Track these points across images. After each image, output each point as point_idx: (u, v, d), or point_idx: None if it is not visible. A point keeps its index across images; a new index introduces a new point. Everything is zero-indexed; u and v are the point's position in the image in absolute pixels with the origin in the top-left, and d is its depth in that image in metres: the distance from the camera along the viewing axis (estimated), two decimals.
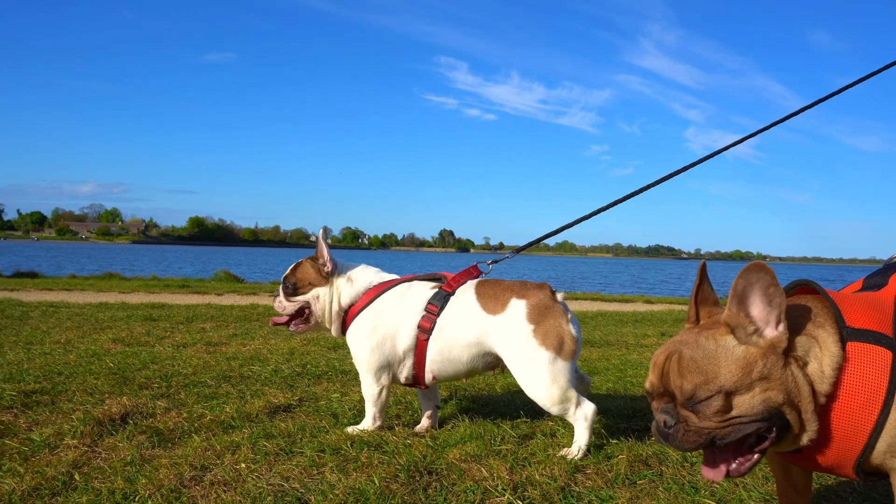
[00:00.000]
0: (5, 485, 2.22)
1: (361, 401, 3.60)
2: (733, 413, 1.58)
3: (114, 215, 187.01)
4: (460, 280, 3.08)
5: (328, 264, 3.16)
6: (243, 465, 2.48)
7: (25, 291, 12.17)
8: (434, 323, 2.95)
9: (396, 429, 3.08)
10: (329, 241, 3.27)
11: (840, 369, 1.60)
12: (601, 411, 3.38)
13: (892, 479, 1.64)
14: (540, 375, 2.75)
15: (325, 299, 3.14)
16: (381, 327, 3.01)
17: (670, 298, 16.31)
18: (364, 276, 3.18)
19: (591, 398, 3.63)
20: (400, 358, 3.03)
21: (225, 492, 2.20)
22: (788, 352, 1.60)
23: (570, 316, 2.85)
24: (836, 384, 1.60)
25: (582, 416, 2.76)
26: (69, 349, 5.30)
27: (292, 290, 3.18)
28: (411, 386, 3.13)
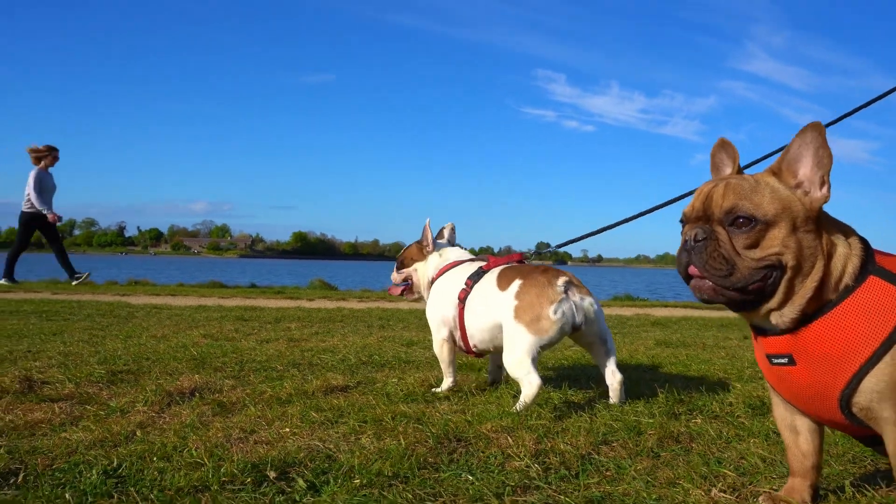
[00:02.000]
0: (76, 436, 2.49)
1: (415, 383, 3.75)
2: (759, 251, 1.61)
3: (223, 231, 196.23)
4: (499, 262, 3.59)
5: (430, 245, 3.86)
6: (287, 429, 2.67)
7: (135, 296, 13.01)
8: (467, 294, 3.49)
9: (443, 405, 3.21)
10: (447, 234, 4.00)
11: (855, 280, 1.62)
12: (643, 394, 3.39)
13: (882, 433, 1.63)
14: (510, 339, 3.18)
15: (422, 272, 3.88)
16: (442, 293, 3.63)
17: None
18: (449, 254, 3.86)
19: (639, 382, 3.67)
20: (451, 324, 3.58)
21: (263, 448, 2.39)
22: (822, 229, 1.65)
23: (560, 299, 3.12)
24: (847, 291, 1.62)
25: (527, 383, 3.08)
26: (162, 341, 5.70)
27: (400, 265, 3.97)
28: (469, 353, 3.62)
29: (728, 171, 1.82)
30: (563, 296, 3.14)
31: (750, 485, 2.10)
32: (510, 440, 2.50)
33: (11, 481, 1.98)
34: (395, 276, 4.01)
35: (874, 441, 1.71)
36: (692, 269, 1.66)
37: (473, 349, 3.56)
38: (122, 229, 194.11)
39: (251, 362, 4.49)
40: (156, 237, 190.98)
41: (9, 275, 13.96)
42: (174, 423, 2.76)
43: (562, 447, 2.45)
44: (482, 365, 4.48)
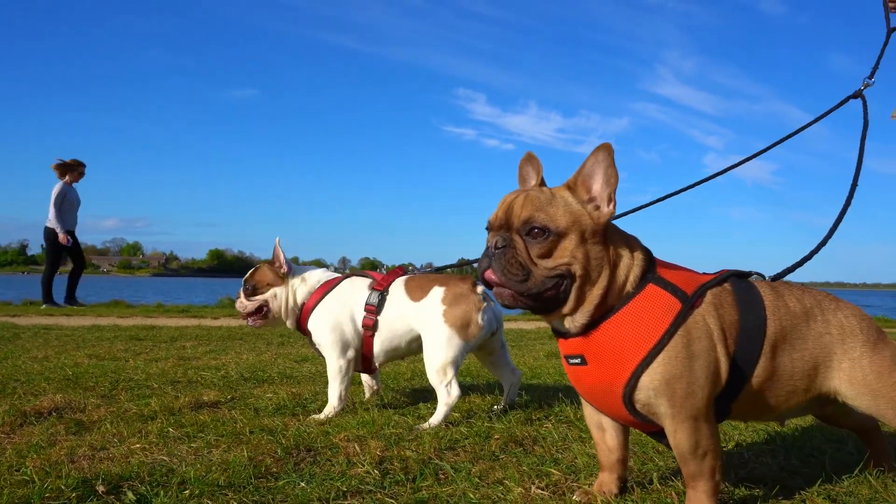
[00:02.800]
0: None
1: (287, 397, 3.77)
2: (551, 261, 1.76)
3: (135, 249, 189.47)
4: (389, 279, 3.54)
5: (284, 266, 3.61)
6: (138, 445, 2.66)
7: (26, 317, 12.44)
8: (375, 321, 3.43)
9: (301, 417, 3.25)
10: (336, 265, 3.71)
11: (636, 287, 1.82)
12: (517, 402, 3.52)
13: (663, 426, 1.79)
14: (436, 344, 3.19)
15: (281, 297, 3.59)
16: (336, 313, 3.47)
17: None
18: (315, 275, 3.67)
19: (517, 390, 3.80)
20: (354, 343, 3.47)
21: (105, 464, 2.38)
22: (609, 241, 1.83)
23: (484, 306, 3.27)
24: (627, 298, 1.80)
25: (446, 393, 3.14)
26: (40, 362, 5.50)
27: (252, 291, 3.64)
28: (362, 372, 3.64)
29: (532, 182, 1.96)
30: (486, 303, 3.29)
31: (573, 482, 2.24)
32: (358, 448, 2.57)
33: None
34: (246, 304, 3.68)
35: (661, 435, 1.86)
36: (489, 274, 1.78)
37: (374, 366, 3.55)
38: (24, 247, 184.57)
39: (127, 381, 4.41)
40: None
41: (48, 299, 12.92)
42: (20, 443, 2.71)
43: (407, 454, 2.53)
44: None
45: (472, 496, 2.09)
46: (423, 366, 5.02)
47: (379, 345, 3.43)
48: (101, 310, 15.43)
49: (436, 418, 3.10)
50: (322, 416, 3.29)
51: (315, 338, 3.51)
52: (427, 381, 4.50)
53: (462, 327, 3.21)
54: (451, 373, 3.17)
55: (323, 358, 3.57)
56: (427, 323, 3.26)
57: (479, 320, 3.25)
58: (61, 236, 11.55)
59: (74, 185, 11.66)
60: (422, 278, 3.47)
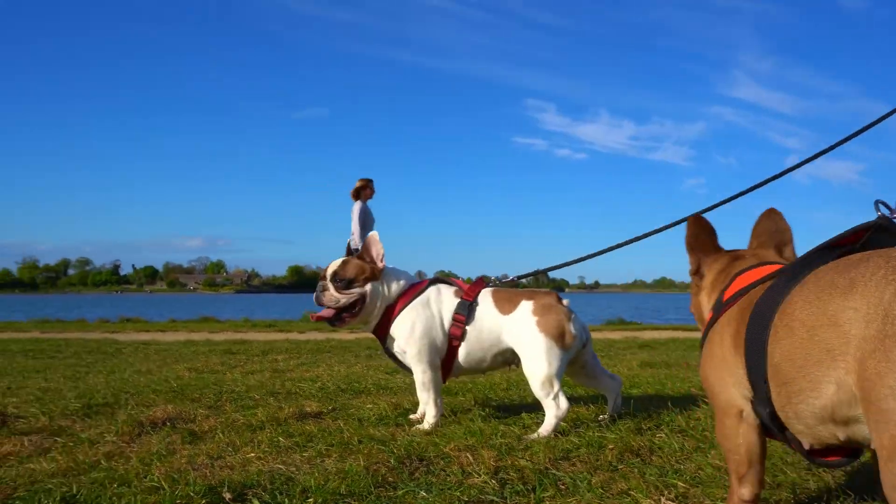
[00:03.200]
0: (41, 466, 2.51)
1: (388, 407, 3.77)
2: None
3: (219, 267, 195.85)
4: (475, 290, 3.46)
5: (382, 261, 3.47)
6: (253, 454, 2.69)
7: (124, 333, 13.02)
8: (463, 331, 3.35)
9: (405, 427, 3.25)
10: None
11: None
12: (622, 413, 3.42)
13: None
14: (538, 356, 3.15)
15: (378, 294, 3.43)
16: (426, 319, 3.37)
17: None
18: (403, 277, 3.53)
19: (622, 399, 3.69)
20: (441, 351, 3.39)
21: (225, 472, 2.42)
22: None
23: (572, 316, 3.27)
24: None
25: (555, 405, 3.09)
26: (144, 375, 5.71)
27: (346, 285, 3.39)
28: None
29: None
30: (573, 314, 3.29)
31: (702, 495, 2.14)
32: (471, 458, 2.53)
33: None
34: (340, 297, 3.38)
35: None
36: None
37: (452, 374, 3.49)
38: (116, 268, 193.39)
39: (229, 393, 4.51)
40: (151, 275, 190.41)
41: None
42: (141, 451, 2.79)
43: (522, 463, 2.48)
44: (457, 388, 4.51)
45: None
46: (517, 376, 4.97)
47: (464, 356, 3.36)
48: (193, 325, 16.04)
49: (545, 428, 3.03)
50: (426, 426, 3.24)
51: (401, 344, 3.36)
52: (524, 391, 4.45)
53: (558, 337, 3.17)
54: (556, 384, 3.12)
55: (399, 365, 3.49)
56: (522, 335, 3.21)
57: (572, 329, 3.22)
58: None
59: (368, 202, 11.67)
60: (507, 291, 3.43)
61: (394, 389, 4.66)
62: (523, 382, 4.81)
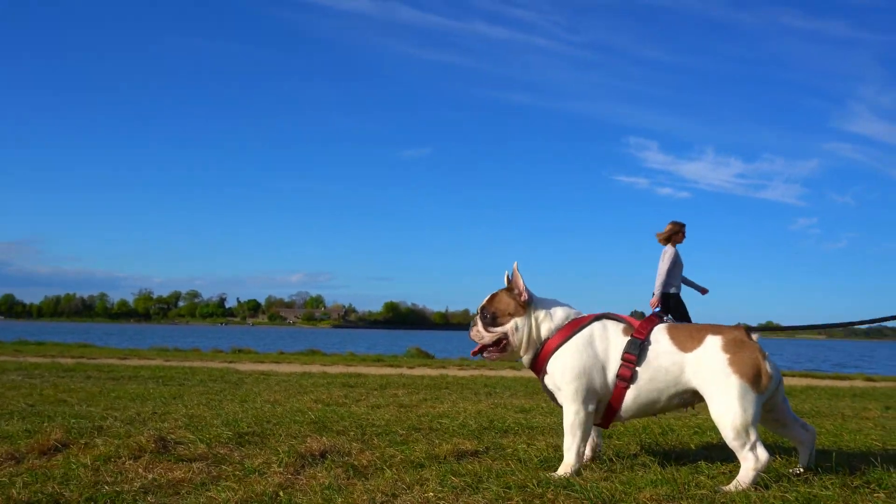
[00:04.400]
0: (222, 496, 2.44)
1: (548, 448, 3.56)
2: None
3: (317, 302, 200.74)
4: (647, 327, 3.18)
5: (524, 294, 3.28)
6: (431, 493, 2.54)
7: (241, 363, 13.34)
8: (633, 372, 3.08)
9: (585, 472, 3.02)
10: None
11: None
12: (818, 466, 3.09)
13: None
14: (730, 401, 2.83)
15: (523, 330, 3.26)
16: (586, 357, 3.14)
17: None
18: (561, 310, 3.33)
19: (790, 451, 3.34)
20: (600, 394, 3.13)
21: None
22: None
23: (766, 353, 2.93)
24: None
25: (753, 457, 2.78)
26: (276, 405, 5.74)
27: (491, 321, 3.30)
28: (597, 425, 3.24)
29: None
30: (766, 352, 2.95)
31: None
32: None
33: None
34: (485, 335, 3.33)
35: None
36: None
37: (613, 421, 3.24)
38: (222, 300, 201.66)
39: (370, 426, 4.42)
40: (254, 308, 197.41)
41: None
42: (313, 484, 2.69)
43: None
44: (609, 430, 4.26)
45: None
46: (670, 418, 4.67)
47: (633, 398, 3.09)
48: (303, 358, 16.31)
49: (743, 481, 2.74)
50: (559, 473, 2.98)
51: (554, 381, 3.18)
52: (683, 435, 4.15)
53: (753, 377, 2.84)
54: (753, 433, 2.80)
55: (555, 403, 3.24)
56: (712, 377, 2.90)
57: (769, 368, 2.89)
58: (653, 299, 11.21)
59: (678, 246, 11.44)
60: (687, 327, 3.15)
61: (540, 429, 4.44)
62: (679, 426, 4.50)
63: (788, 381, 11.85)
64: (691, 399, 3.09)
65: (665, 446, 3.84)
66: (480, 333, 3.31)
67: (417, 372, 11.97)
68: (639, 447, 3.75)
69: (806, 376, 13.87)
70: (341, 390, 7.65)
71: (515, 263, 3.30)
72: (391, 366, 13.95)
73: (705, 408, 2.98)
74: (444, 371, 12.35)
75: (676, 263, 10.44)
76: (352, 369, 12.28)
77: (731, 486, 2.70)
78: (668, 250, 10.46)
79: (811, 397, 8.16)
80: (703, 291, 10.55)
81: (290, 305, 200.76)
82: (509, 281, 3.34)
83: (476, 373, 11.93)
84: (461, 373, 11.93)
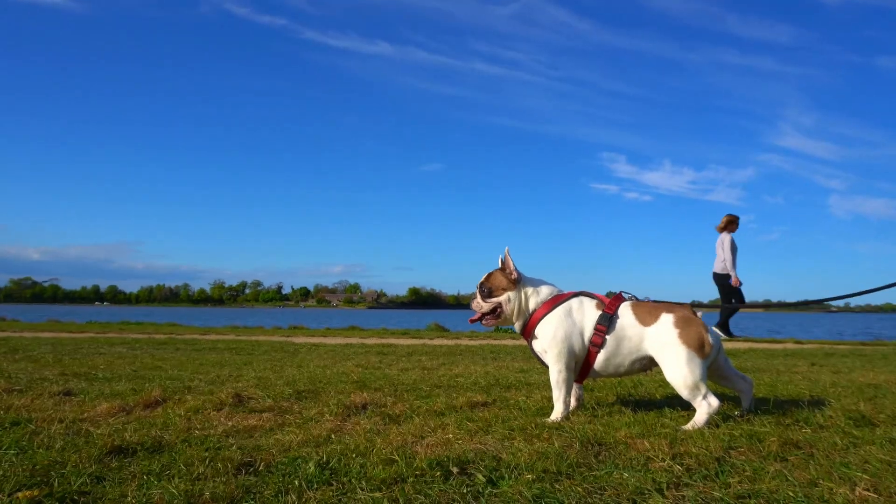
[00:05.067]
0: (287, 437, 2.48)
1: (543, 400, 3.58)
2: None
3: (355, 288, 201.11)
4: (616, 303, 3.21)
5: (514, 273, 3.32)
6: (451, 435, 2.57)
7: (296, 337, 13.39)
8: (604, 339, 3.09)
9: (574, 416, 3.04)
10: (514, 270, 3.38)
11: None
12: (757, 409, 3.09)
13: None
14: (681, 366, 2.85)
15: (514, 301, 3.29)
16: (565, 326, 3.15)
17: (823, 340, 14.39)
18: (546, 287, 3.36)
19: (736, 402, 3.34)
20: (578, 356, 3.13)
21: (439, 449, 2.30)
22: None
23: (708, 327, 2.96)
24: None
25: (706, 404, 2.80)
26: (326, 369, 5.77)
27: (487, 294, 3.32)
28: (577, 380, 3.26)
29: None
30: (710, 326, 3.00)
31: (890, 485, 1.83)
32: (647, 444, 2.31)
33: (248, 471, 1.97)
34: (483, 304, 3.35)
35: None
36: None
37: (591, 375, 3.24)
38: (280, 288, 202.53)
39: (401, 384, 4.44)
40: (305, 294, 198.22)
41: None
42: (358, 429, 2.73)
43: (694, 451, 2.23)
44: (591, 385, 4.27)
45: (791, 494, 1.76)
46: (639, 377, 4.66)
47: (603, 361, 3.11)
48: (345, 333, 16.31)
49: (698, 421, 2.76)
50: (552, 419, 3.00)
51: (542, 344, 3.20)
52: (651, 388, 4.15)
53: (698, 346, 2.87)
54: (703, 387, 2.83)
55: (543, 364, 3.26)
56: (665, 346, 2.93)
57: (710, 339, 2.92)
58: (734, 280, 10.87)
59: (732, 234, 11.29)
60: (647, 304, 3.15)
61: (536, 385, 4.45)
62: (647, 381, 4.50)
63: (733, 345, 11.76)
64: (649, 364, 3.11)
65: (636, 397, 3.84)
66: (480, 304, 3.35)
67: (437, 342, 11.97)
68: (615, 397, 3.77)
69: (747, 341, 13.76)
70: (377, 357, 7.67)
71: (507, 248, 3.31)
72: (415, 338, 13.94)
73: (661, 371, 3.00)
74: (458, 341, 12.34)
75: (734, 248, 10.26)
76: (384, 341, 12.30)
77: (689, 426, 2.71)
78: (726, 238, 10.22)
79: (751, 357, 8.10)
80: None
81: (333, 291, 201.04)
82: (502, 263, 3.36)
83: (484, 342, 11.90)
84: (472, 342, 11.91)
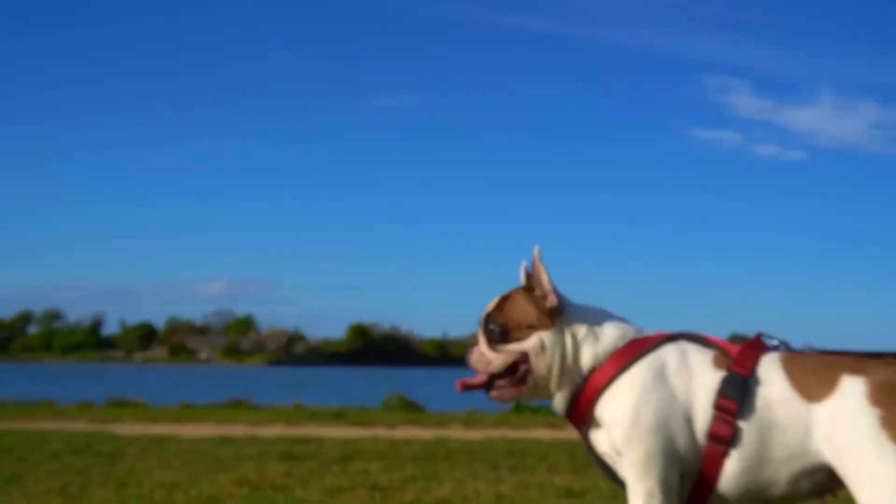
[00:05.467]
0: None
1: None
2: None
3: (246, 325, 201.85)
4: (752, 356, 3.13)
5: (552, 296, 3.20)
6: None
7: (122, 423, 13.35)
8: (735, 429, 2.99)
9: None
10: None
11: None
12: None
13: None
14: (888, 484, 2.79)
15: (553, 350, 3.19)
16: (656, 406, 3.07)
17: None
18: (612, 326, 3.27)
19: None
20: (686, 462, 3.06)
21: None
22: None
23: None
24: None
25: None
26: (176, 491, 5.69)
27: (501, 336, 3.22)
28: None
29: None
30: None
31: None
32: None
33: None
34: (491, 357, 3.27)
35: None
36: None
37: None
38: (97, 325, 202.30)
39: None
40: (146, 336, 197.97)
41: None
42: None
43: None
44: None
45: None
46: None
47: (736, 474, 3.02)
48: (221, 414, 16.34)
49: None
50: None
51: (615, 438, 3.09)
52: None
53: None
54: None
55: (608, 475, 3.18)
56: (858, 443, 2.87)
57: None
58: None
59: None
60: (812, 359, 3.11)
61: None
62: None
63: None
64: (826, 482, 3.01)
65: None
66: (485, 356, 3.21)
67: (401, 433, 12.04)
68: None
69: None
70: (280, 464, 7.70)
71: (537, 248, 3.26)
72: (360, 424, 14.03)
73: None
74: (442, 431, 12.42)
75: None
76: (298, 430, 12.33)
77: None
78: None
79: None
80: None
81: (202, 332, 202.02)
82: (528, 277, 3.26)
83: (493, 433, 12.02)
84: (469, 434, 12.00)
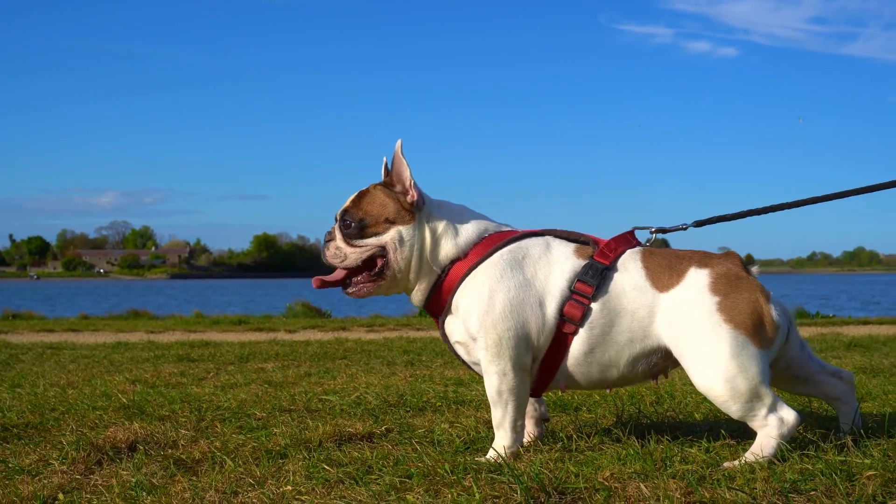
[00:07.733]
0: None
1: (478, 427, 3.79)
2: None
3: (144, 237, 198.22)
4: (617, 248, 3.34)
5: (412, 192, 3.35)
6: (289, 488, 2.74)
7: (16, 333, 13.34)
8: (587, 309, 3.22)
9: (528, 454, 3.28)
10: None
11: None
12: (866, 430, 3.38)
13: None
14: (720, 359, 3.05)
15: (411, 244, 3.35)
16: (511, 293, 3.25)
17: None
18: (474, 222, 3.43)
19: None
20: (536, 344, 3.27)
21: None
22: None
23: (770, 294, 3.19)
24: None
25: (776, 421, 3.03)
26: (69, 389, 5.83)
27: (358, 231, 3.35)
28: (541, 390, 3.46)
29: None
30: (770, 292, 3.19)
31: None
32: (644, 489, 2.53)
33: None
34: (348, 251, 3.38)
35: None
36: None
37: (548, 389, 3.47)
38: None
39: (214, 409, 4.59)
40: (39, 251, 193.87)
41: None
42: (112, 484, 2.85)
43: (728, 497, 2.47)
44: (580, 400, 4.52)
45: None
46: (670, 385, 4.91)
47: (582, 355, 3.25)
48: (119, 323, 16.38)
49: (758, 451, 2.98)
50: (488, 456, 3.22)
51: (469, 326, 3.30)
52: (687, 403, 4.41)
53: (752, 326, 3.07)
54: (767, 394, 3.03)
55: (463, 362, 3.46)
56: (690, 324, 3.12)
57: (774, 315, 3.13)
58: None
59: None
60: (668, 255, 3.33)
61: (474, 404, 4.68)
62: (684, 390, 4.81)
63: (873, 330, 12.50)
64: (663, 363, 3.31)
65: (655, 418, 4.11)
66: (342, 251, 3.38)
67: (301, 336, 12.17)
68: (615, 418, 4.03)
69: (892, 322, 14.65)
70: (176, 366, 7.82)
71: (399, 142, 3.34)
72: (260, 329, 14.13)
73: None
74: (342, 334, 12.57)
75: None
76: (195, 336, 12.41)
77: (740, 461, 2.95)
78: None
79: (893, 350, 8.70)
80: None
81: (98, 245, 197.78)
82: (388, 172, 3.41)
83: (392, 334, 12.19)
84: (369, 335, 12.17)
